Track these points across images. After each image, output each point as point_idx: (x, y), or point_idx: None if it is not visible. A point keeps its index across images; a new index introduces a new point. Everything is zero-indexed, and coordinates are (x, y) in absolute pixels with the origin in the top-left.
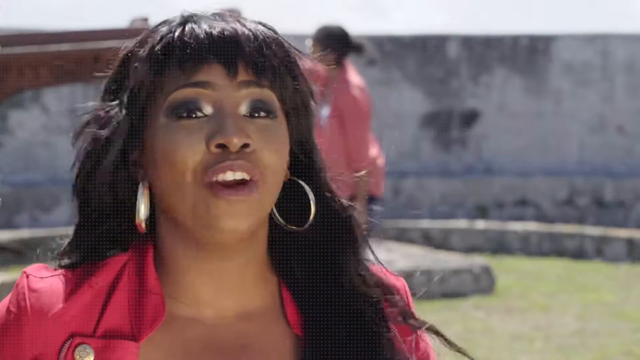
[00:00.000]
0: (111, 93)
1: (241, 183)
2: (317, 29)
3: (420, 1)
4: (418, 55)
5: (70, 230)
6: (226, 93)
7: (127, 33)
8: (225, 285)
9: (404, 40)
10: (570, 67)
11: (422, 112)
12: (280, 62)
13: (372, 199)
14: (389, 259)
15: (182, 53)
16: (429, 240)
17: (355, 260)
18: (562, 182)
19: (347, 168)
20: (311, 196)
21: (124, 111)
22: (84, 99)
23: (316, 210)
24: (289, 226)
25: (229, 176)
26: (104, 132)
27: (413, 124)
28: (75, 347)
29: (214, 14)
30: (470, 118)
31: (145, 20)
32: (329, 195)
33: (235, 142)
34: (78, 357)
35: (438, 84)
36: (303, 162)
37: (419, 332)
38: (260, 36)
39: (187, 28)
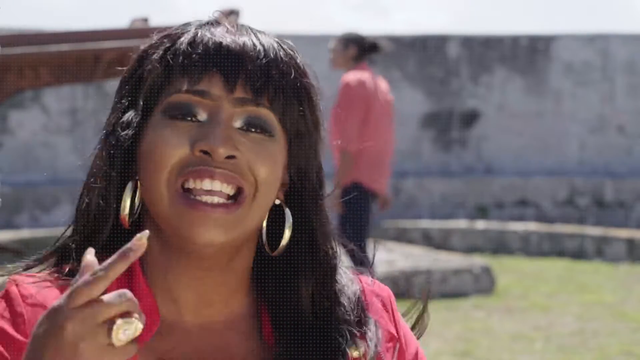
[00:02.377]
0: (124, 91)
1: (221, 201)
2: (344, 34)
3: (421, 1)
4: (418, 55)
5: (64, 233)
6: (223, 105)
7: (127, 33)
8: (206, 294)
9: (404, 40)
10: (571, 67)
11: (422, 112)
12: (287, 85)
13: (356, 188)
14: (389, 259)
15: (189, 60)
16: (429, 240)
17: (324, 287)
18: (562, 182)
19: (338, 151)
20: (288, 224)
21: (136, 112)
22: (84, 99)
23: (296, 237)
24: (266, 247)
25: (206, 185)
26: (118, 134)
27: (413, 124)
28: None
29: (234, 25)
30: (470, 118)
31: (145, 20)
32: (316, 225)
33: (221, 151)
34: None
35: (438, 84)
36: (298, 187)
37: (403, 338)
38: (271, 55)
39: (199, 35)
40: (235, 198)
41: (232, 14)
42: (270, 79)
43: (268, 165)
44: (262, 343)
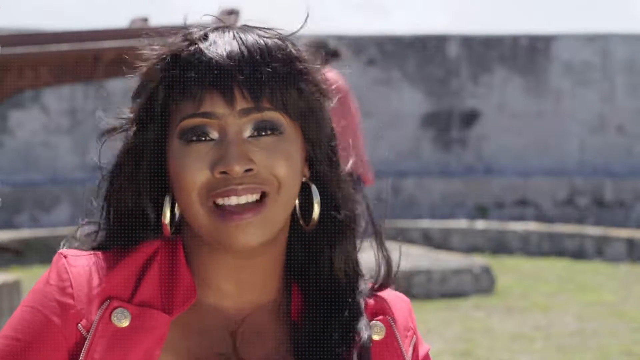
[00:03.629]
0: (137, 109)
1: (247, 206)
2: (312, 40)
3: (421, 1)
4: (418, 55)
5: (95, 218)
6: (229, 121)
7: (126, 33)
8: (245, 281)
9: (404, 40)
10: (570, 67)
11: (422, 112)
12: (282, 79)
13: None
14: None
15: (187, 85)
16: (429, 240)
17: (349, 255)
18: (562, 182)
19: None
20: (317, 199)
21: (148, 124)
22: (84, 99)
23: (326, 209)
24: (301, 222)
25: (233, 201)
26: (132, 140)
27: (413, 123)
28: (113, 310)
29: (225, 29)
30: (470, 118)
31: (145, 20)
32: (339, 194)
33: (237, 169)
34: (115, 319)
35: (438, 84)
36: (320, 162)
37: (418, 334)
38: (258, 57)
39: (192, 51)
40: (261, 204)
41: (232, 13)
42: (264, 82)
43: (284, 163)
44: (292, 322)
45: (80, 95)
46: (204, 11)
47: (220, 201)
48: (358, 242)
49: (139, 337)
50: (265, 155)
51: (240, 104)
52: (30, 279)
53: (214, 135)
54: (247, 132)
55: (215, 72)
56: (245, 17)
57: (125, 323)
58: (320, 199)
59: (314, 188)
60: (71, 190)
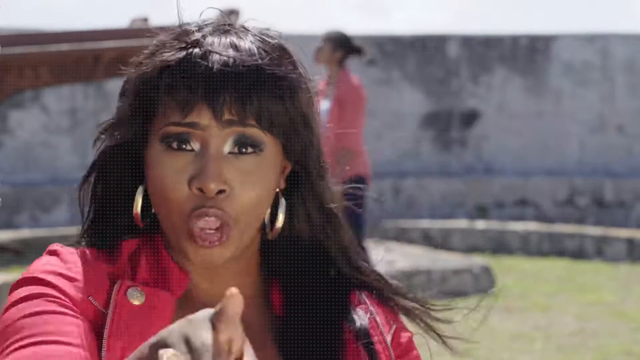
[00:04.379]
0: (124, 94)
1: (215, 231)
2: (328, 31)
3: (421, 1)
4: (418, 55)
5: (80, 222)
6: (213, 132)
7: (126, 33)
8: (219, 282)
9: (404, 40)
10: (570, 67)
11: (422, 112)
12: (271, 97)
13: (360, 181)
14: (388, 259)
15: (177, 93)
16: (429, 240)
17: (343, 253)
18: (562, 182)
19: (337, 148)
20: (282, 208)
21: (132, 118)
22: (84, 99)
23: (307, 218)
24: (267, 233)
25: (203, 223)
26: (116, 136)
27: (413, 123)
28: (127, 288)
29: (226, 33)
30: (470, 118)
31: (145, 20)
32: (320, 206)
33: (212, 187)
34: (131, 297)
35: (438, 84)
36: (300, 175)
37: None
38: (252, 72)
39: (189, 57)
40: (225, 230)
41: (232, 13)
42: (254, 100)
43: (256, 187)
44: (273, 315)
45: (81, 95)
46: (205, 10)
47: (194, 225)
48: (351, 238)
49: (152, 315)
50: (240, 179)
51: (227, 115)
52: None
53: (195, 145)
54: (228, 147)
55: (207, 84)
56: (246, 17)
57: (139, 301)
58: (300, 206)
59: (282, 201)
60: (71, 190)
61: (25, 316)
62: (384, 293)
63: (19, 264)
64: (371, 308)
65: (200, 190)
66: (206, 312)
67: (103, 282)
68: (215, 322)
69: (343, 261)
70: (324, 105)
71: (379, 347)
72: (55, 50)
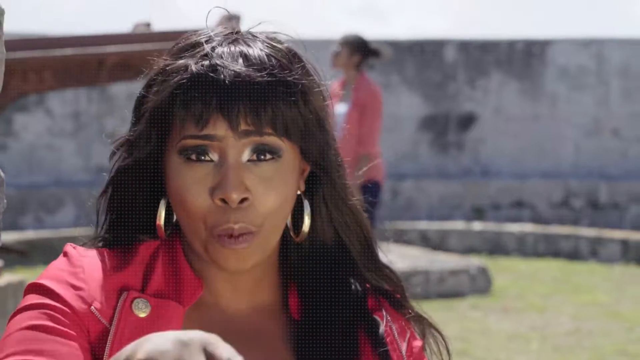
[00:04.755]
0: (138, 111)
1: (242, 235)
2: (345, 35)
3: (419, 6)
4: (416, 59)
5: (99, 221)
6: (230, 143)
7: (130, 38)
8: (240, 286)
9: (402, 44)
10: (566, 71)
11: (420, 115)
12: (285, 103)
13: (376, 185)
14: (387, 259)
15: (192, 103)
16: (426, 241)
17: (366, 255)
18: (558, 185)
19: (356, 152)
20: (307, 211)
21: (148, 135)
22: (88, 103)
23: (329, 218)
24: (292, 235)
25: (230, 230)
26: (133, 153)
27: (411, 127)
28: (133, 300)
29: (233, 42)
30: (467, 121)
31: (148, 25)
32: (337, 203)
33: (234, 197)
34: (136, 309)
35: (436, 88)
36: (319, 175)
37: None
38: (264, 80)
39: (200, 72)
40: (251, 235)
41: (232, 19)
42: (268, 108)
43: (278, 192)
44: (290, 319)
45: (84, 99)
46: (207, 16)
47: (220, 232)
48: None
49: (158, 327)
50: (261, 186)
51: (243, 125)
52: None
53: (214, 156)
54: (246, 156)
55: (221, 96)
56: (246, 22)
57: (145, 313)
58: (322, 207)
59: (305, 203)
60: (75, 192)
61: (23, 328)
62: (400, 300)
63: (24, 265)
64: (387, 316)
65: (223, 200)
66: (202, 338)
67: (111, 291)
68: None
69: (365, 259)
70: (341, 108)
71: (394, 355)
72: (59, 55)
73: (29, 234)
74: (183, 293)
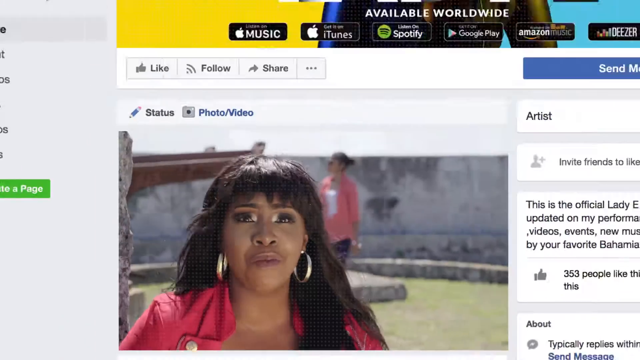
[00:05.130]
0: (209, 198)
1: (272, 260)
2: (335, 153)
3: (366, 138)
4: (364, 168)
5: (177, 270)
6: (265, 210)
7: (203, 155)
8: (266, 311)
9: (357, 159)
10: (449, 174)
11: (367, 198)
12: (299, 190)
13: (348, 241)
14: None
15: (245, 187)
16: (370, 270)
17: (343, 290)
18: (444, 238)
19: (348, 223)
20: (309, 264)
21: (214, 213)
22: (179, 191)
23: (318, 267)
24: (297, 279)
25: (264, 257)
26: (205, 225)
27: (361, 205)
28: (186, 342)
29: (265, 158)
30: (393, 202)
31: (262, 144)
32: (326, 258)
33: (267, 239)
34: (188, 347)
35: (376, 183)
36: (314, 241)
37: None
38: (288, 176)
39: (250, 170)
40: (278, 262)
41: (261, 145)
42: (290, 191)
43: (293, 242)
44: (295, 334)
45: (177, 189)
46: (253, 145)
47: (257, 259)
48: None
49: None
50: (284, 236)
51: (275, 200)
52: (150, 292)
53: (254, 218)
54: (274, 219)
55: (264, 181)
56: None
57: (194, 348)
58: (314, 257)
59: (308, 258)
60: (172, 243)
61: (136, 324)
62: (362, 317)
63: (143, 283)
64: (354, 329)
65: (260, 242)
66: None
67: (176, 335)
68: None
69: (343, 295)
70: (332, 193)
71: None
72: (162, 165)
73: (146, 265)
74: (222, 330)
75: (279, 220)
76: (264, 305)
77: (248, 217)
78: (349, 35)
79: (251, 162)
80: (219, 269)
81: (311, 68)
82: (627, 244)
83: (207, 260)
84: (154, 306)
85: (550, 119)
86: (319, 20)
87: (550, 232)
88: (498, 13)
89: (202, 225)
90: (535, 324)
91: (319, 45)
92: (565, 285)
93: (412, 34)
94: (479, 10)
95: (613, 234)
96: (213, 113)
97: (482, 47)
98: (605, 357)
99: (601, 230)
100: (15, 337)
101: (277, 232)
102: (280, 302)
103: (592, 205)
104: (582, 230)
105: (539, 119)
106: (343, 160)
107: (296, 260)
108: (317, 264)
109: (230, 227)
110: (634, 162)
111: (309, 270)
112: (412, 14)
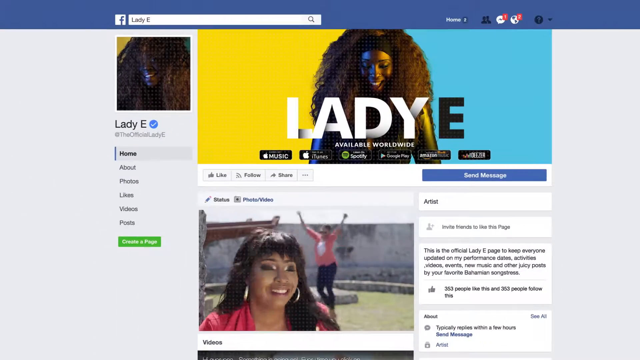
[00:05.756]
0: (242, 253)
1: (283, 292)
2: (324, 224)
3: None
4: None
5: (220, 295)
6: (280, 263)
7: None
8: (273, 318)
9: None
10: (381, 233)
11: (336, 247)
12: (296, 251)
13: (334, 264)
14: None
15: (267, 248)
16: (337, 285)
17: (313, 307)
18: (379, 268)
19: (332, 256)
20: (298, 294)
21: (247, 264)
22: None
23: (301, 295)
24: (292, 302)
25: (278, 288)
26: (240, 272)
27: (334, 249)
28: None
29: (276, 231)
30: (350, 249)
31: (278, 217)
32: (306, 291)
33: (283, 281)
34: None
35: (341, 239)
36: (301, 283)
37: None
38: (290, 243)
39: (268, 239)
40: (287, 293)
41: (276, 217)
42: (292, 252)
43: (294, 282)
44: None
45: (231, 242)
46: (273, 219)
47: (274, 291)
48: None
49: None
50: (291, 279)
51: (285, 258)
52: (214, 300)
53: (274, 267)
54: (285, 268)
55: (279, 246)
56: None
57: None
58: (300, 289)
59: (297, 290)
60: (227, 272)
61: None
62: (324, 321)
63: (211, 294)
64: (321, 327)
65: (278, 281)
66: None
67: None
68: None
69: (315, 311)
70: (321, 244)
71: None
72: (222, 228)
73: (214, 284)
74: (248, 330)
75: (287, 269)
76: (272, 315)
77: (270, 268)
78: (326, 157)
79: (268, 234)
80: (245, 295)
81: (305, 175)
82: (480, 272)
83: (239, 290)
84: (207, 321)
85: (437, 203)
86: (309, 148)
87: (437, 265)
88: (408, 144)
89: (239, 270)
90: (428, 317)
91: (310, 162)
92: (445, 295)
93: (360, 156)
94: (397, 143)
95: (473, 266)
96: (250, 200)
97: (399, 163)
98: (466, 335)
99: (465, 264)
100: (134, 323)
101: (289, 277)
102: (280, 314)
103: (460, 250)
104: (455, 264)
105: (430, 203)
106: (327, 227)
107: (293, 291)
108: (302, 293)
109: (259, 271)
110: (484, 226)
111: (298, 296)
112: (361, 145)
